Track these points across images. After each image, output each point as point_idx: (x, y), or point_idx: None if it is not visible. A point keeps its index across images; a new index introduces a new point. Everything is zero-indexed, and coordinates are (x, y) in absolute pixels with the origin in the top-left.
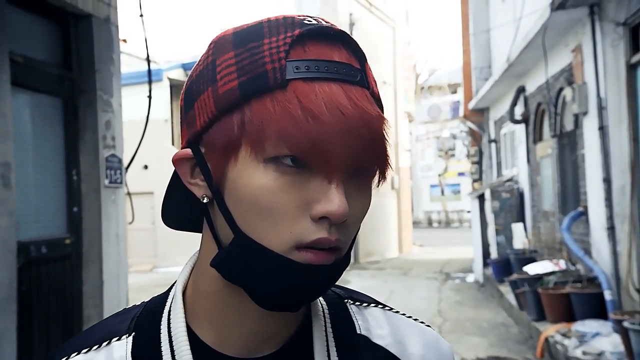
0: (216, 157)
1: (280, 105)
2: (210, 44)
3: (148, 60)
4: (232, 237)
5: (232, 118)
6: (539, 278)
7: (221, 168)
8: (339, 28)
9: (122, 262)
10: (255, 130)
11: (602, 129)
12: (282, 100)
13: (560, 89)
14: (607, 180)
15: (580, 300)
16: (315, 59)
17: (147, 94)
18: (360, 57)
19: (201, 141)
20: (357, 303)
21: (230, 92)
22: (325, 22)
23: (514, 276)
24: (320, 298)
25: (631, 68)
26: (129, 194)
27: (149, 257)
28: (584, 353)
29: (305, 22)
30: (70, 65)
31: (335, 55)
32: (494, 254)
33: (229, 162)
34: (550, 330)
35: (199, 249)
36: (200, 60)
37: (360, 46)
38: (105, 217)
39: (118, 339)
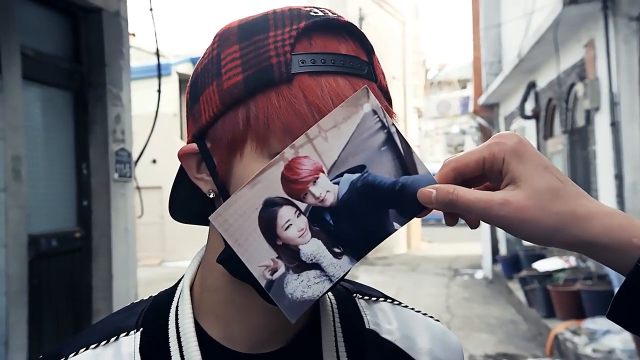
0: (222, 153)
1: (285, 100)
2: (215, 36)
3: (157, 54)
4: None
5: (237, 113)
6: (548, 275)
7: (227, 163)
8: (346, 19)
9: (131, 255)
10: (261, 125)
11: (615, 125)
12: (287, 95)
13: (572, 85)
14: (619, 177)
15: (591, 297)
16: (322, 52)
17: (157, 88)
18: (368, 49)
19: (207, 136)
20: (366, 297)
21: (235, 87)
22: (332, 13)
23: (523, 273)
24: (329, 292)
25: None
26: (138, 188)
27: (157, 251)
28: (594, 350)
29: (312, 13)
30: (80, 59)
31: (342, 47)
32: (503, 250)
33: (234, 158)
34: (559, 327)
35: (206, 243)
36: (205, 53)
37: (368, 38)
38: (114, 210)
39: (126, 335)
